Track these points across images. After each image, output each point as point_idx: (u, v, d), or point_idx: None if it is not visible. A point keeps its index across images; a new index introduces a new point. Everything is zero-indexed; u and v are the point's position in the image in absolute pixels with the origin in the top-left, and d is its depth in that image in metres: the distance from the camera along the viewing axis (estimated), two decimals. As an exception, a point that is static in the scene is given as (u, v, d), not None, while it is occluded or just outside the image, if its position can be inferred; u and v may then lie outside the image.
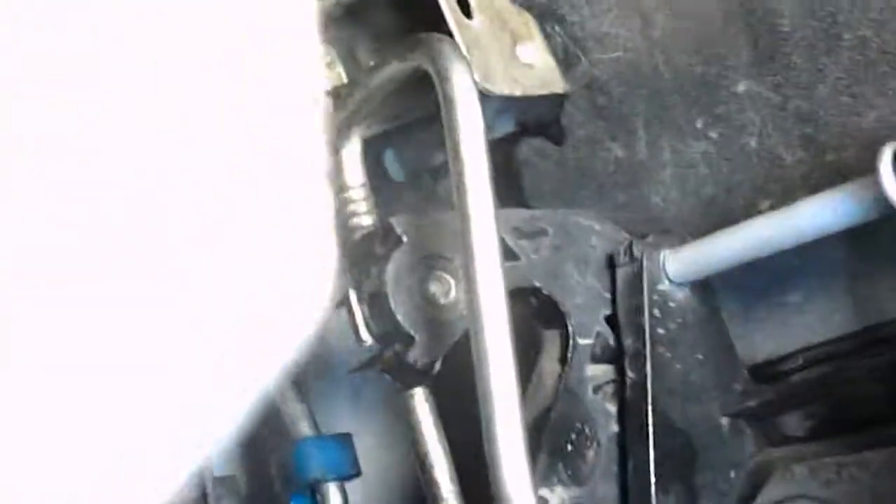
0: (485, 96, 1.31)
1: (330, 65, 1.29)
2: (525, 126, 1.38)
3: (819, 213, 1.02)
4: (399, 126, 1.35)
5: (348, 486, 1.30)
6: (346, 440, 1.30)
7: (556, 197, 1.37)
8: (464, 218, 1.00)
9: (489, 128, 1.36)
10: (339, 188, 1.20)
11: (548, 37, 1.30)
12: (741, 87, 1.14)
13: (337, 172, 1.20)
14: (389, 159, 1.40)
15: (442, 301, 1.11)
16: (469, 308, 0.99)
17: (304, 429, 1.30)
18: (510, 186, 1.41)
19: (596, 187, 1.32)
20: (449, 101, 1.02)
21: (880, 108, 1.04)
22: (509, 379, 0.98)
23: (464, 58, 1.04)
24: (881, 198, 0.96)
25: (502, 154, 1.42)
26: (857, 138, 1.06)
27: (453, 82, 1.02)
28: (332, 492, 1.28)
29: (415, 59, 1.07)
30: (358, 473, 1.30)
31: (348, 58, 1.32)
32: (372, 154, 1.30)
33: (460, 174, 1.01)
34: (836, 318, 1.13)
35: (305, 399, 1.32)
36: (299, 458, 1.28)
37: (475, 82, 1.04)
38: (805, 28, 1.08)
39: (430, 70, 1.04)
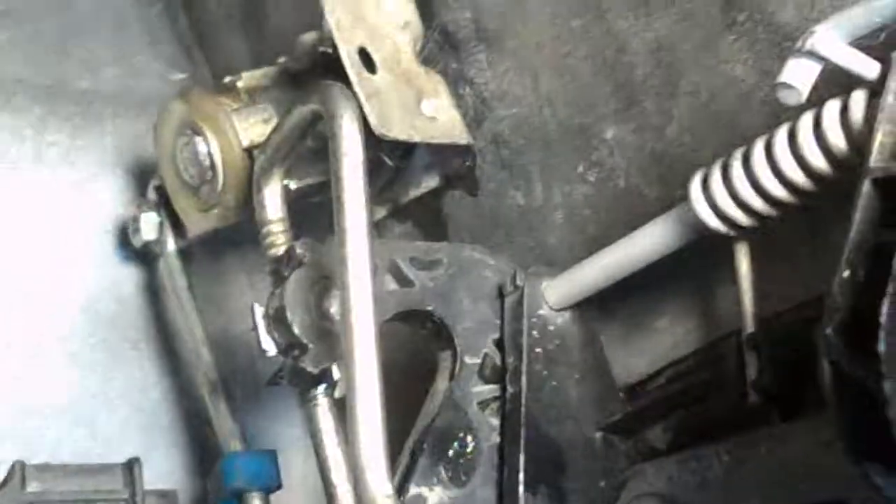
0: (410, 154, 1.49)
1: (267, 120, 1.46)
2: (448, 180, 1.53)
3: (651, 238, 1.16)
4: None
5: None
6: (270, 455, 1.43)
7: (475, 243, 1.50)
8: (340, 240, 1.13)
9: (417, 182, 1.55)
10: (262, 222, 1.35)
11: (460, 97, 1.46)
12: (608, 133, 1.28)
13: (260, 208, 1.35)
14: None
15: (335, 316, 1.25)
16: (342, 324, 1.12)
17: (234, 443, 1.44)
18: (439, 236, 1.56)
19: (504, 233, 1.46)
20: (334, 136, 1.17)
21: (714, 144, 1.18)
22: (373, 388, 1.09)
23: (352, 100, 1.20)
24: (695, 219, 1.10)
25: (431, 209, 1.58)
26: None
27: (339, 120, 1.18)
28: (256, 502, 1.41)
29: (312, 103, 1.23)
30: (279, 486, 1.43)
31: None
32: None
33: (339, 200, 1.15)
34: (692, 337, 1.26)
35: (236, 415, 1.46)
36: (227, 470, 1.42)
37: (360, 122, 1.18)
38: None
39: (322, 110, 1.20)
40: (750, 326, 1.11)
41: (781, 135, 1.01)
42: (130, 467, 1.38)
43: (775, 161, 1.01)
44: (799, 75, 0.91)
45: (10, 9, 1.70)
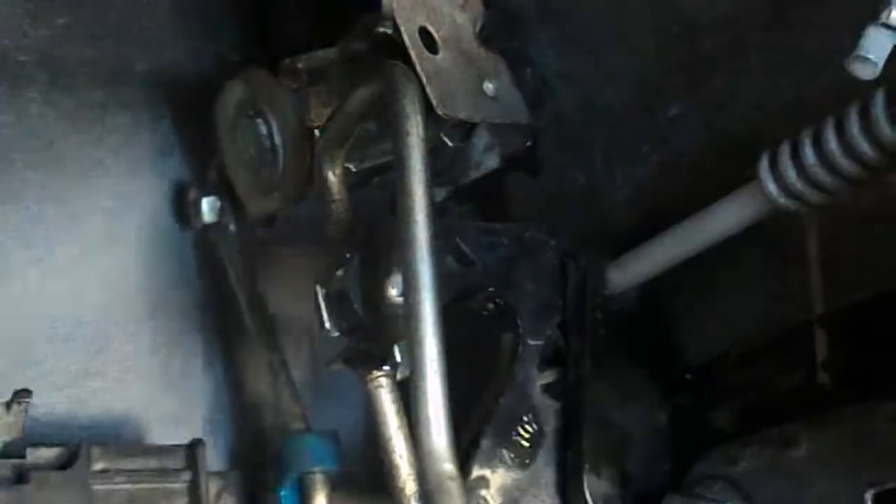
0: (470, 135, 1.48)
1: (328, 102, 1.45)
2: (508, 161, 1.52)
3: (719, 218, 1.14)
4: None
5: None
6: (333, 435, 1.43)
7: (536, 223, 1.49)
8: (402, 221, 1.13)
9: (477, 163, 1.54)
10: (326, 201, 1.35)
11: (520, 77, 1.45)
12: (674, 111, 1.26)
13: (321, 190, 1.35)
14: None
15: (398, 297, 1.24)
16: (405, 305, 1.12)
17: (297, 424, 1.44)
18: (500, 217, 1.55)
19: (566, 214, 1.45)
20: (395, 117, 1.16)
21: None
22: (435, 366, 1.08)
23: (413, 80, 1.19)
24: (765, 197, 1.08)
25: (492, 190, 1.57)
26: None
27: (401, 100, 1.17)
28: (319, 483, 1.41)
29: (374, 83, 1.22)
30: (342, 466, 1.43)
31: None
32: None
33: (401, 180, 1.14)
34: (759, 318, 1.24)
35: (299, 397, 1.46)
36: (290, 450, 1.42)
37: (421, 102, 1.18)
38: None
39: (383, 91, 1.19)
40: (820, 306, 1.09)
41: (854, 111, 0.99)
42: (193, 448, 1.39)
43: (847, 137, 0.99)
44: (876, 48, 0.89)
45: (72, -8, 1.71)
